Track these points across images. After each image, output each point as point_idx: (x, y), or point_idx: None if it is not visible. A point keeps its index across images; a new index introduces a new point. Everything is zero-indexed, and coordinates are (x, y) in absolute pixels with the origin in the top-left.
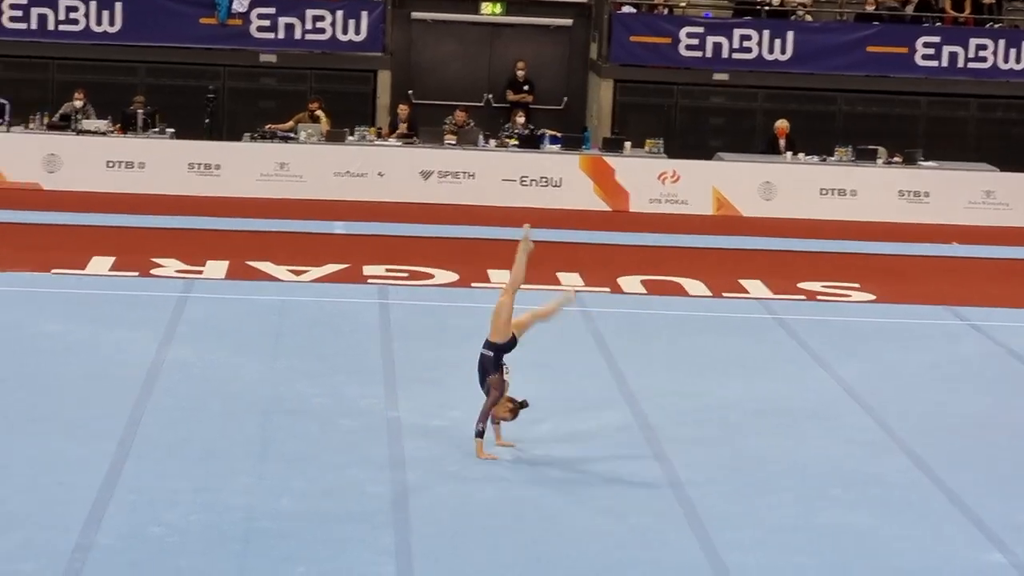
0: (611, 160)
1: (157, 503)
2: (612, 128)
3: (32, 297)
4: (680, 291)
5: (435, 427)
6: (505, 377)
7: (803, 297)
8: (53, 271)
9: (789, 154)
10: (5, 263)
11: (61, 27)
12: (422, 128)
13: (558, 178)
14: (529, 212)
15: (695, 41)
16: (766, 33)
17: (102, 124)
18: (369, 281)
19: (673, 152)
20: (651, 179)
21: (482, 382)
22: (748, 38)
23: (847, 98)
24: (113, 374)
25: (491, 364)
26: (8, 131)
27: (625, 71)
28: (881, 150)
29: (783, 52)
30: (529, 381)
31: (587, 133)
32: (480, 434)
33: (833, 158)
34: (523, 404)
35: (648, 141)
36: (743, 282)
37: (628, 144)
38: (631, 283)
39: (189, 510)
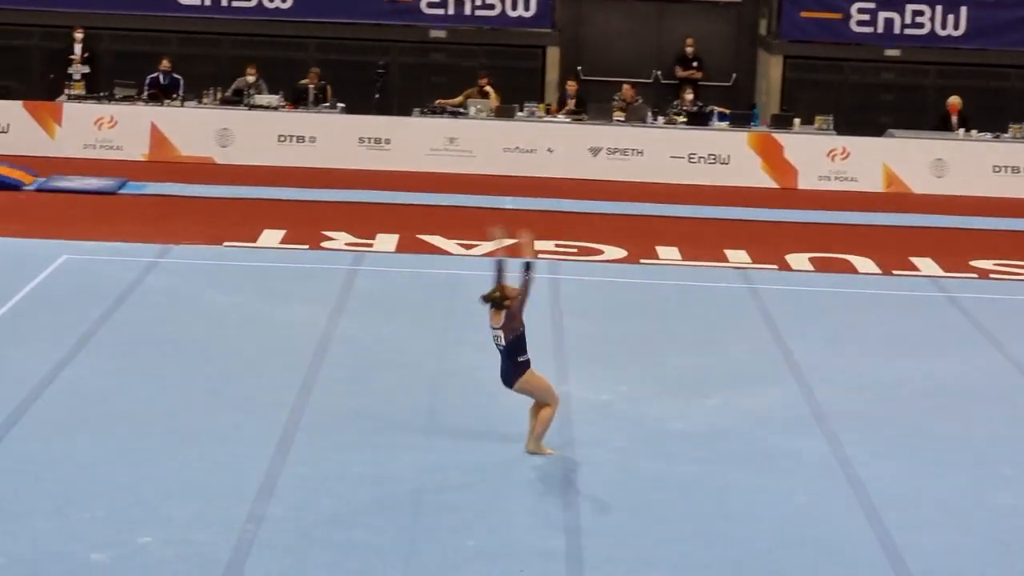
0: (780, 137)
1: (328, 475)
2: (781, 105)
3: (205, 269)
4: (849, 268)
5: (603, 401)
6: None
7: (975, 275)
8: (225, 244)
9: (961, 131)
10: (179, 236)
11: (234, 3)
12: (591, 104)
13: (726, 155)
14: (697, 189)
15: (866, 16)
16: (939, 8)
17: (274, 99)
18: (539, 256)
19: (843, 129)
20: (820, 156)
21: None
22: (920, 13)
23: (1022, 74)
24: (284, 346)
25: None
26: (182, 106)
27: (795, 47)
28: None
29: (956, 27)
30: (696, 356)
31: (756, 110)
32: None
33: (1007, 135)
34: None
35: (818, 118)
36: (914, 259)
37: (797, 121)
38: (799, 260)
39: (359, 482)
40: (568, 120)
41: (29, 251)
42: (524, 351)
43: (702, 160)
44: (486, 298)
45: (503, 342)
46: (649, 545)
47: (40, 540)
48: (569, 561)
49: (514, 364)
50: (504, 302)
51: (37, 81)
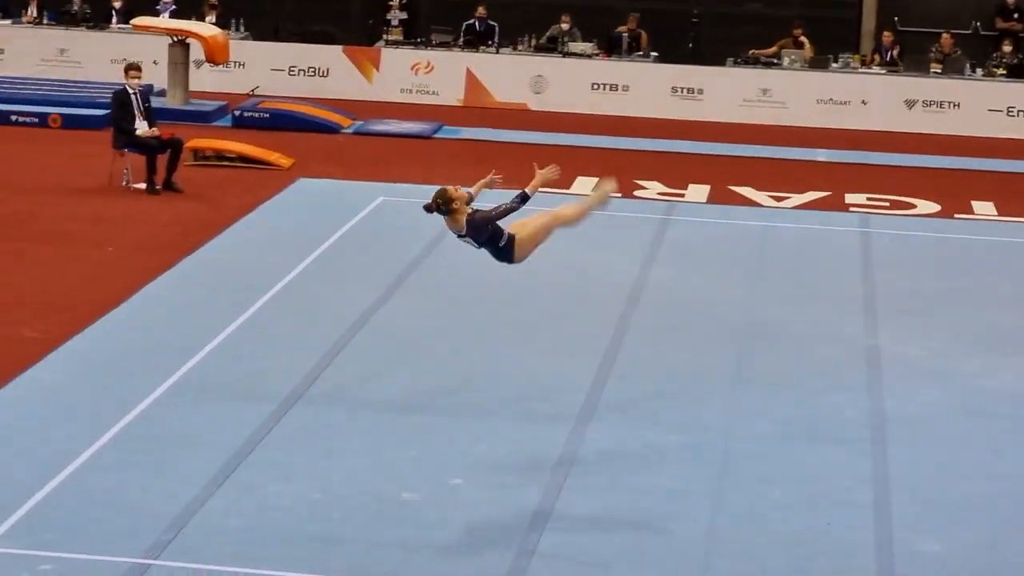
0: None
1: (637, 421)
2: None
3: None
4: None
5: (914, 356)
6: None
7: None
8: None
9: None
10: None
11: None
12: (907, 56)
13: None
14: (1015, 143)
15: None
16: None
17: (587, 47)
18: (851, 209)
19: None
20: None
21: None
22: None
23: None
24: (596, 294)
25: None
26: (497, 52)
27: None
28: None
29: None
30: (1011, 313)
31: None
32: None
33: None
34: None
35: None
36: None
37: None
38: None
39: (668, 429)
40: (884, 72)
41: (347, 192)
42: (502, 233)
43: (1022, 114)
44: (428, 208)
45: (477, 243)
46: (960, 502)
47: (354, 477)
48: (878, 515)
49: (501, 247)
50: (446, 206)
51: (356, 27)
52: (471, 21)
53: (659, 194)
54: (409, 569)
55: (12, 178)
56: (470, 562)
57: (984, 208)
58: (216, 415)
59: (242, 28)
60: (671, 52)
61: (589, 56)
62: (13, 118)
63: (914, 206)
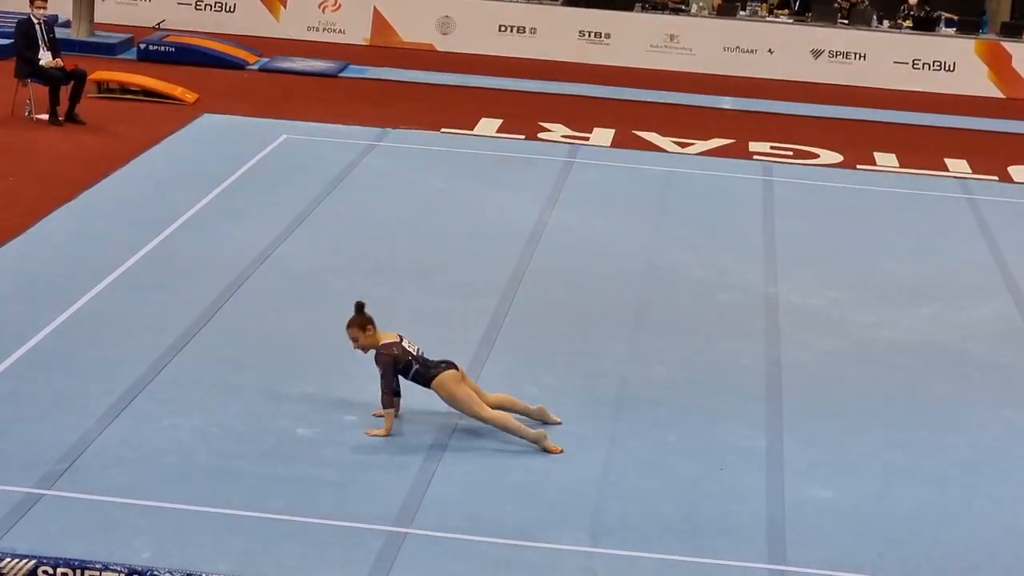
0: (1009, 46)
1: (534, 364)
2: (1012, 13)
3: (421, 155)
4: None
5: (812, 306)
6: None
7: None
8: (442, 130)
9: None
10: (397, 120)
11: None
12: (815, 6)
13: (951, 62)
14: (919, 96)
15: None
16: None
17: None
18: (754, 157)
19: None
20: None
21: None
22: None
23: None
24: (496, 234)
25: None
26: None
27: None
28: None
29: None
30: (910, 264)
31: (985, 17)
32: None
33: None
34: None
35: None
36: None
37: None
38: (1022, 172)
39: (565, 372)
40: (791, 21)
41: (250, 129)
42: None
43: (926, 66)
44: (348, 321)
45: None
46: (851, 451)
47: (250, 413)
48: (770, 461)
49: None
50: (360, 322)
51: None
52: None
53: (563, 137)
54: (303, 504)
55: None
56: (361, 498)
57: (886, 160)
58: (114, 347)
59: None
60: None
61: None
62: None
63: (817, 155)
